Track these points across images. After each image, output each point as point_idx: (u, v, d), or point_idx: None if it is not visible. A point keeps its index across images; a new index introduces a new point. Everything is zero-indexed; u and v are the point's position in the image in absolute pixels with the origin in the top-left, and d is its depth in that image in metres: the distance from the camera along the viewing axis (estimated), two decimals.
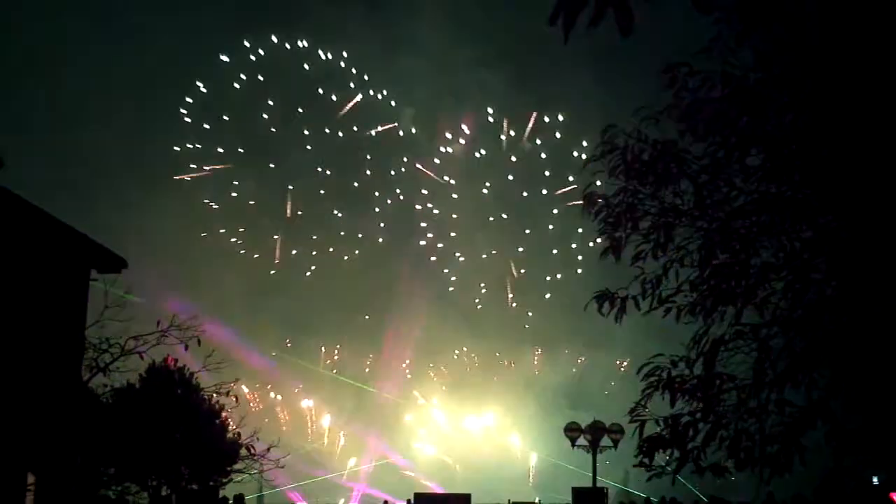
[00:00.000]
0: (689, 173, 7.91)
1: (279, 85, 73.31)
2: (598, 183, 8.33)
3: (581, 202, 8.36)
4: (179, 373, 27.63)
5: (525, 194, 74.05)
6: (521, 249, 74.01)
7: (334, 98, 73.65)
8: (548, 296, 73.77)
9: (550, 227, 71.07)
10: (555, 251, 71.98)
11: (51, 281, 16.85)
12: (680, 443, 7.49)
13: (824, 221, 7.69)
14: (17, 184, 15.78)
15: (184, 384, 27.50)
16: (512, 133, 75.91)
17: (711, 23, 7.27)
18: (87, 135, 61.73)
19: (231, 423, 28.99)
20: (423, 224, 75.26)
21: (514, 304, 75.57)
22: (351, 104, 73.31)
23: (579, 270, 69.33)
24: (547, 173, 73.68)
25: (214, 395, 26.43)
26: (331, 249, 72.95)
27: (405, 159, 74.80)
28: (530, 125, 75.68)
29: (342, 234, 73.61)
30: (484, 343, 73.62)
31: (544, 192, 73.73)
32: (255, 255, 73.20)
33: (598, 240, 8.30)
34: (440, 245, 75.30)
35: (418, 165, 75.07)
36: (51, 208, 16.61)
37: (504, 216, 74.47)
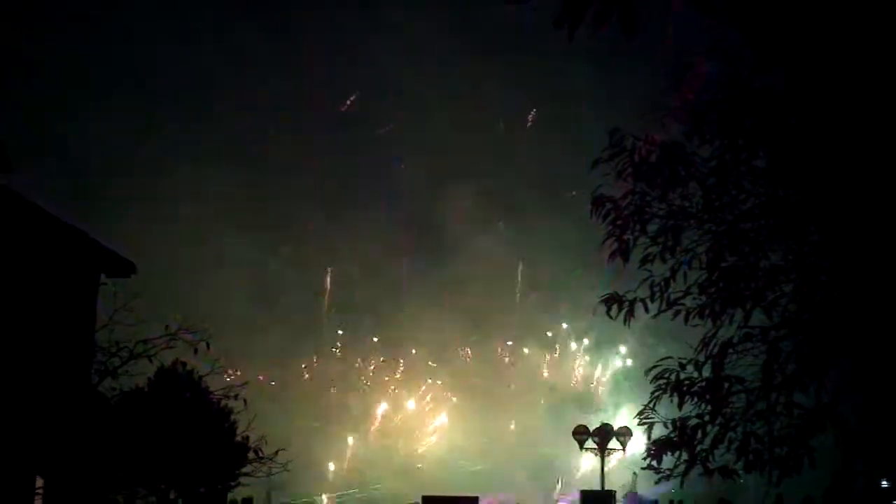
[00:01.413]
0: (697, 176, 7.90)
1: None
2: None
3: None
4: (188, 375, 27.71)
5: (528, 192, 73.34)
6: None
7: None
8: None
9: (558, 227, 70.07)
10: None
11: (60, 285, 16.91)
12: (688, 445, 7.49)
13: (832, 224, 7.69)
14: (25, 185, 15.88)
15: (192, 387, 27.58)
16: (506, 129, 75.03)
17: (716, 24, 7.28)
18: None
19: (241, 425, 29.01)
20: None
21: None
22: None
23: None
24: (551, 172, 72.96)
25: (224, 398, 26.51)
26: None
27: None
28: (530, 120, 75.09)
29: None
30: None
31: (548, 191, 73.01)
32: None
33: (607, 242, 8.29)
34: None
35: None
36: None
37: (502, 222, 73.79)
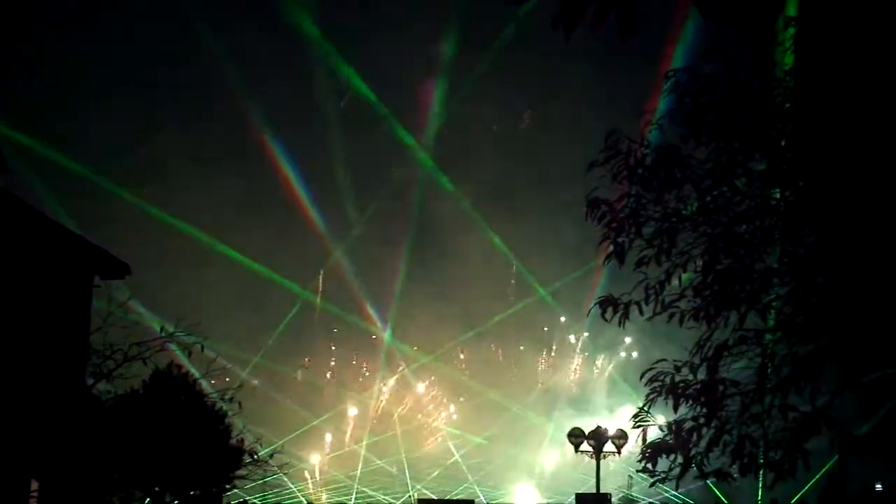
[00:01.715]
0: (693, 178, 7.89)
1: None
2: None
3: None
4: (183, 378, 27.67)
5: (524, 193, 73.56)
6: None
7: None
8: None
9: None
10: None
11: (54, 287, 16.85)
12: (683, 448, 7.48)
13: (828, 226, 7.68)
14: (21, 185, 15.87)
15: (187, 390, 27.54)
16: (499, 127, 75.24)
17: (715, 26, 7.28)
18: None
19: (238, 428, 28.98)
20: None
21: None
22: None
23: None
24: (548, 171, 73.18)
25: (218, 400, 26.50)
26: None
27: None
28: (526, 120, 75.31)
29: None
30: None
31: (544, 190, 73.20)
32: None
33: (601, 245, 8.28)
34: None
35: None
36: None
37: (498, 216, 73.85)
